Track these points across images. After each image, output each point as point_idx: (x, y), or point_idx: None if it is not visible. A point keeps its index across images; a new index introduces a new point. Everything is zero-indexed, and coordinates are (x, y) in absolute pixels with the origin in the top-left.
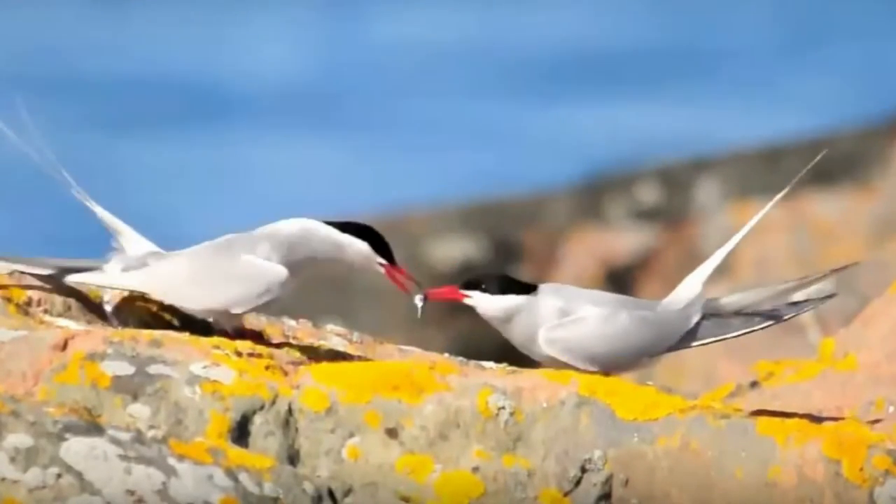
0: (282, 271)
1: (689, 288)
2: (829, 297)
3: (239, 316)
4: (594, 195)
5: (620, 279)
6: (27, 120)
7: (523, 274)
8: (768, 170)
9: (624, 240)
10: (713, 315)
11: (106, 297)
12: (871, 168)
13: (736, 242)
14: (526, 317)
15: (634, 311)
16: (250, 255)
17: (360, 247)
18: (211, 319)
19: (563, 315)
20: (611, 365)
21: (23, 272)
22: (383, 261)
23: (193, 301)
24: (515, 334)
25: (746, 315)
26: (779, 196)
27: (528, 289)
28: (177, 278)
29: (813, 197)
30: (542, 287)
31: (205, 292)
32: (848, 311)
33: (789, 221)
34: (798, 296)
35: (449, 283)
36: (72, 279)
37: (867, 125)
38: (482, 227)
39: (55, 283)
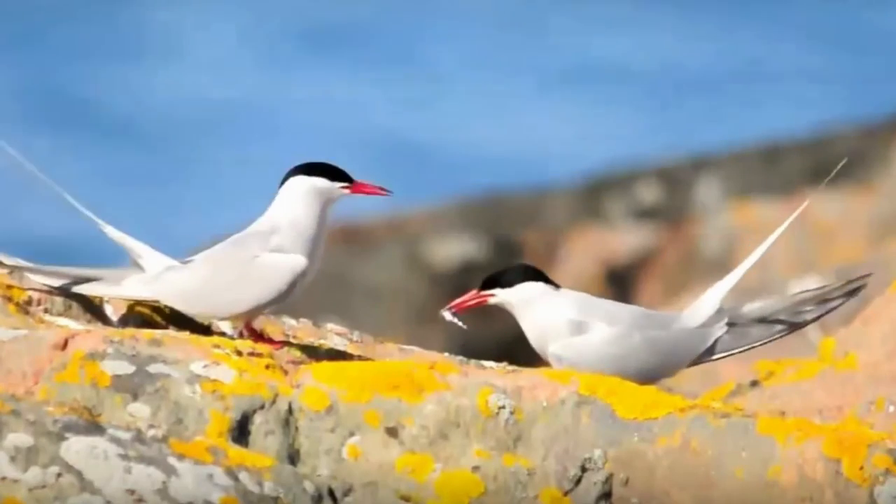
0: (300, 260)
1: (708, 304)
2: (854, 292)
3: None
4: (594, 195)
5: (620, 279)
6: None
7: None
8: (768, 170)
9: (624, 239)
10: (733, 325)
11: (107, 297)
12: (871, 168)
13: (756, 258)
14: (542, 313)
15: (649, 331)
16: (265, 250)
17: (318, 183)
18: (219, 320)
19: (576, 328)
20: None
21: (32, 280)
22: (344, 184)
23: (217, 308)
24: (528, 330)
25: (767, 323)
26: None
27: (548, 281)
28: (197, 286)
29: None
30: (564, 291)
31: (229, 297)
32: (848, 311)
33: None
34: (813, 304)
35: (449, 282)
36: (85, 289)
37: (867, 125)
38: (482, 226)
39: (65, 292)
